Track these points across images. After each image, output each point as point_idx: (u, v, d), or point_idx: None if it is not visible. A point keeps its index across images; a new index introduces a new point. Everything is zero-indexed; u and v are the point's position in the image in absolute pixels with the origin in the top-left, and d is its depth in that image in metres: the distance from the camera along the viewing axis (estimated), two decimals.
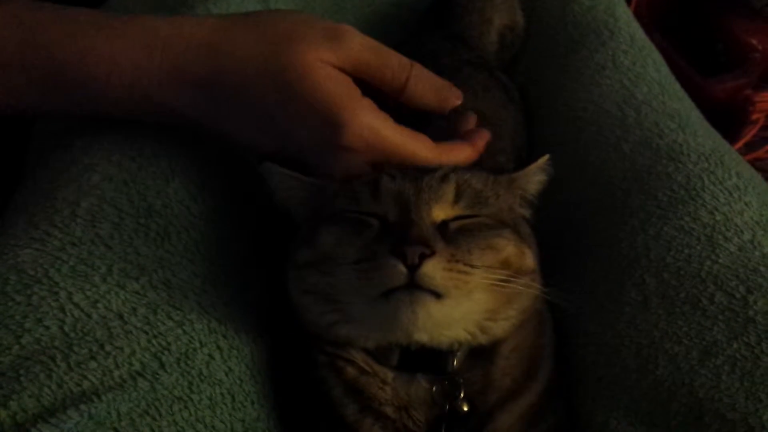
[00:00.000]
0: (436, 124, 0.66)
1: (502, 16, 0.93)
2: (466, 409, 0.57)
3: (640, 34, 0.91)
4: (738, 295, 0.57)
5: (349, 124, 0.58)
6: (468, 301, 0.53)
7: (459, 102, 0.66)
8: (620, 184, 0.70)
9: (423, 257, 0.50)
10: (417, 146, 0.61)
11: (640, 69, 0.84)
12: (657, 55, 0.89)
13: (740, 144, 1.34)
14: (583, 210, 0.72)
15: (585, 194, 0.73)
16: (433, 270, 0.50)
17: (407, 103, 0.64)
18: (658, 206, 0.65)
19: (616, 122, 0.76)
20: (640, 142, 0.73)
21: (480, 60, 0.89)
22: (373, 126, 0.59)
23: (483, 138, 0.66)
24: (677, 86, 0.85)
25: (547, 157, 0.62)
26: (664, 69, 0.87)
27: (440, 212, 0.56)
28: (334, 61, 0.59)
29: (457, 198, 0.57)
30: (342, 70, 0.59)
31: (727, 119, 1.32)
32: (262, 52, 0.59)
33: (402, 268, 0.50)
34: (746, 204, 0.64)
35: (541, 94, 0.89)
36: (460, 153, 0.63)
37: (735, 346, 0.54)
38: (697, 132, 0.74)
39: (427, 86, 0.64)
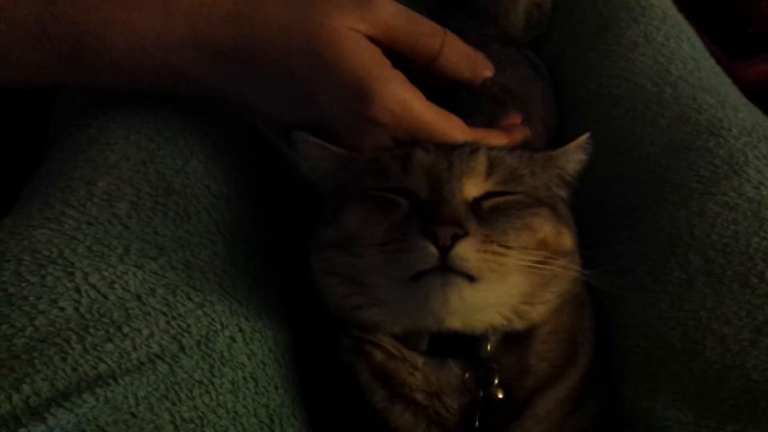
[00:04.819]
0: (473, 118, 0.64)
1: None
2: (501, 396, 0.54)
3: (672, 10, 0.88)
4: None
5: (378, 95, 0.56)
6: (503, 285, 0.50)
7: (490, 74, 0.64)
8: (659, 160, 0.67)
9: (456, 238, 0.47)
10: (449, 126, 0.58)
11: (674, 45, 0.81)
12: (691, 32, 0.86)
13: None
14: (619, 187, 0.69)
15: (621, 171, 0.70)
16: (467, 252, 0.47)
17: (439, 72, 0.61)
18: (700, 182, 0.62)
19: (652, 98, 0.73)
20: (678, 118, 0.69)
21: (507, 37, 0.86)
22: (403, 99, 0.56)
23: (523, 133, 0.63)
24: (713, 62, 0.82)
25: (587, 135, 0.60)
26: (699, 45, 0.84)
27: (472, 187, 0.53)
28: (364, 28, 0.57)
29: (490, 171, 0.54)
30: (373, 38, 0.57)
31: (760, 103, 1.29)
32: (289, 19, 0.56)
33: (433, 250, 0.47)
34: None
35: (570, 72, 0.86)
36: (495, 140, 0.61)
37: None
38: (737, 107, 0.71)
39: (460, 54, 0.62)
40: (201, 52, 0.57)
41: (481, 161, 0.54)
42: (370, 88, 0.55)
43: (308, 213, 0.61)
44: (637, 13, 0.85)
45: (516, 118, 0.67)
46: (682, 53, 0.79)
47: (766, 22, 1.37)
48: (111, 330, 0.48)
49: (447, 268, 0.47)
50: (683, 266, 0.58)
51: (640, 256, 0.62)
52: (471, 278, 0.48)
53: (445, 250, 0.47)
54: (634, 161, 0.69)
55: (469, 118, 0.62)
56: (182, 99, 0.63)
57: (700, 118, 0.68)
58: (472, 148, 0.55)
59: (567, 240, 0.55)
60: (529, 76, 0.81)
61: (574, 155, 0.60)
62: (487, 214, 0.52)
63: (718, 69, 0.81)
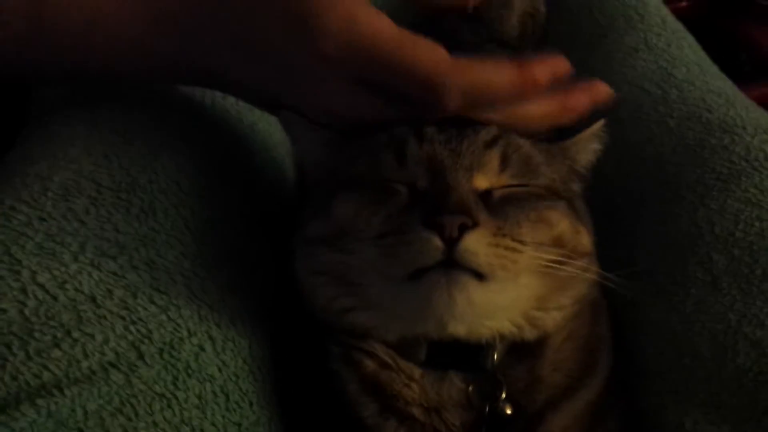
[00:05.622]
0: None
1: (523, 2, 0.87)
2: (509, 411, 0.48)
3: (671, 18, 0.85)
4: None
5: (319, 13, 0.45)
6: (515, 286, 0.45)
7: None
8: (670, 158, 0.62)
9: (464, 229, 0.42)
10: (421, 52, 0.45)
11: (676, 50, 0.78)
12: (691, 39, 0.83)
13: None
14: (631, 188, 0.64)
15: (630, 172, 0.65)
16: (476, 245, 0.42)
17: None
18: (718, 179, 0.58)
19: (658, 100, 0.70)
20: (687, 117, 0.66)
21: (503, 40, 0.82)
22: (350, 15, 0.45)
23: (601, 89, 0.52)
24: (716, 69, 0.78)
25: (602, 122, 0.54)
26: (701, 52, 0.81)
27: (483, 181, 0.47)
28: None
29: (504, 165, 0.48)
30: None
31: None
32: None
33: (438, 243, 0.41)
34: None
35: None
36: (503, 73, 0.47)
37: None
38: (748, 107, 0.67)
39: None
40: (153, 17, 0.51)
41: (495, 155, 0.48)
42: (310, 5, 0.46)
43: (292, 206, 0.55)
44: (636, 20, 0.83)
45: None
46: (685, 58, 0.77)
47: (757, 48, 1.36)
48: (59, 335, 0.42)
49: (453, 264, 0.42)
50: (706, 267, 0.53)
51: (657, 257, 0.57)
52: (480, 276, 0.42)
53: (451, 243, 0.41)
54: (644, 162, 0.64)
55: None
56: (156, 83, 0.59)
57: (711, 117, 0.65)
58: (488, 141, 0.49)
59: (585, 239, 0.50)
60: None
61: (588, 144, 0.55)
62: (499, 204, 0.46)
63: (723, 75, 0.77)
